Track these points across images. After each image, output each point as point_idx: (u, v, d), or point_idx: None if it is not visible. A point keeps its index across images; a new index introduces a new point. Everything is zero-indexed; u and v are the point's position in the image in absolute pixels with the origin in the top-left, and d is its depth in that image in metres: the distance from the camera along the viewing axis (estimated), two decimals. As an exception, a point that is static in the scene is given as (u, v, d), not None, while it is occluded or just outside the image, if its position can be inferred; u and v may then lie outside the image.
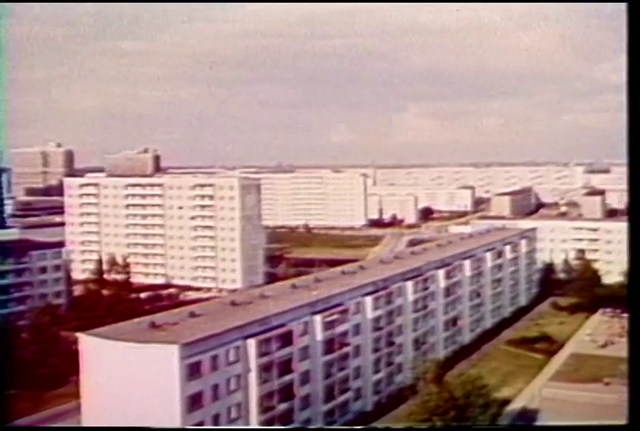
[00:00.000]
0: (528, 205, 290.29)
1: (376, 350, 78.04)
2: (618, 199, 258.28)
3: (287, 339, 64.25)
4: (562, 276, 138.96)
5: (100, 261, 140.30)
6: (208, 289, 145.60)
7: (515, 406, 77.37)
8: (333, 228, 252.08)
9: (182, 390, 54.19)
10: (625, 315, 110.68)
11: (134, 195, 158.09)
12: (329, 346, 70.06)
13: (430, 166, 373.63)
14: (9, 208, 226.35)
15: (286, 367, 63.96)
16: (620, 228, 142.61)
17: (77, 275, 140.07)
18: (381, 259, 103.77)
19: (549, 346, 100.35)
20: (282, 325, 64.40)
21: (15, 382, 73.20)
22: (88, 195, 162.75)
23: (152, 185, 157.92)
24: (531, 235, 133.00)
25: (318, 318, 68.74)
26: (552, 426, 58.87)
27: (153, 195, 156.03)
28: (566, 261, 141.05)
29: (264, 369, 61.45)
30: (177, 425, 54.02)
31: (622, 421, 59.03)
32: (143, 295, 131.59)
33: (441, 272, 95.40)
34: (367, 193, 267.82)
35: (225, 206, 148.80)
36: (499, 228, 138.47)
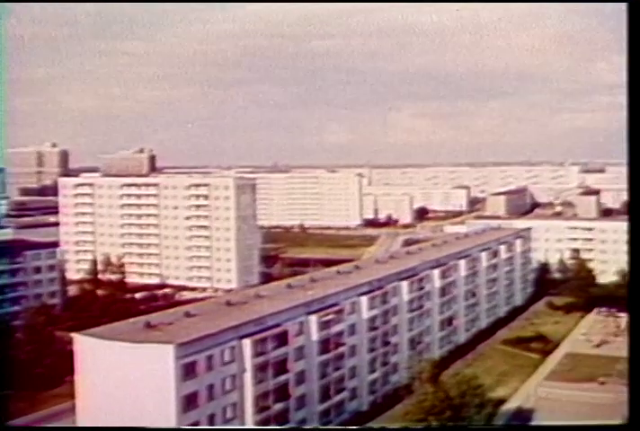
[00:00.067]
0: (523, 204, 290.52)
1: (371, 350, 78.06)
2: (613, 199, 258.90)
3: (282, 339, 64.20)
4: (557, 275, 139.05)
5: (95, 261, 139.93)
6: (204, 289, 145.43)
7: (510, 405, 77.42)
8: (329, 228, 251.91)
9: (177, 390, 54.12)
10: (620, 314, 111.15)
11: (129, 195, 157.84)
12: (324, 346, 70.05)
13: (425, 166, 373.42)
14: (3, 208, 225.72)
15: (281, 367, 63.91)
16: (615, 228, 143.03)
17: (72, 275, 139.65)
18: (376, 258, 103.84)
19: (544, 345, 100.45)
20: (278, 325, 64.37)
21: (10, 382, 73.04)
22: (83, 195, 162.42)
23: (147, 185, 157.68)
24: (526, 235, 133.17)
25: (314, 318, 68.73)
26: (551, 426, 58.90)
27: (148, 195, 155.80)
28: (561, 261, 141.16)
29: (260, 369, 61.41)
30: (172, 425, 53.94)
31: (617, 420, 59.21)
32: (138, 295, 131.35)
33: (437, 272, 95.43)
34: (362, 193, 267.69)
35: (220, 205, 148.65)
36: (494, 228, 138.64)
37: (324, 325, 69.94)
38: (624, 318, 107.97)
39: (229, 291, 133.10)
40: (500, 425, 69.74)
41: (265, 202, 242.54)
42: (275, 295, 72.28)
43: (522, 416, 74.41)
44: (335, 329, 71.63)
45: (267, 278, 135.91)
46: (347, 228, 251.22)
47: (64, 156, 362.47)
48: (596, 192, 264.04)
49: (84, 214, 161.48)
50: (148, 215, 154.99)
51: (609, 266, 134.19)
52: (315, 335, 68.69)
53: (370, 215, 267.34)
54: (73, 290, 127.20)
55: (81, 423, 57.00)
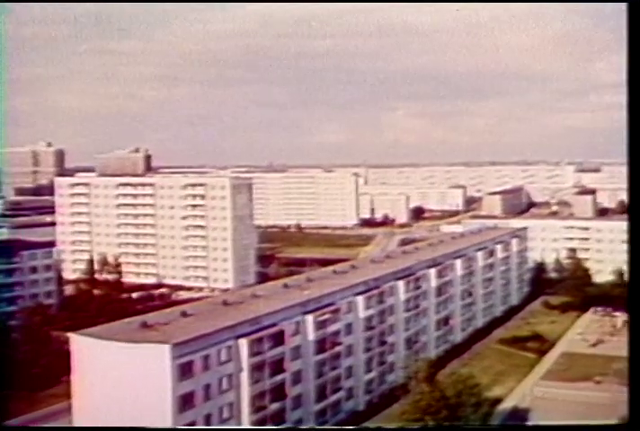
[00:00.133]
0: (519, 204, 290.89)
1: (368, 350, 78.08)
2: (609, 198, 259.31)
3: (278, 339, 64.22)
4: (553, 275, 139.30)
5: (91, 261, 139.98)
6: (200, 289, 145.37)
7: (507, 405, 77.50)
8: (325, 228, 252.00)
9: (173, 390, 54.10)
10: (616, 314, 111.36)
11: (125, 194, 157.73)
12: (321, 345, 70.05)
13: (421, 165, 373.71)
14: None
15: (278, 367, 63.93)
16: (611, 227, 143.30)
17: (68, 275, 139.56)
18: (373, 258, 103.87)
19: (541, 345, 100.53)
20: (274, 325, 64.36)
21: (6, 382, 72.94)
22: (79, 194, 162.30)
23: (143, 185, 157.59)
24: (522, 234, 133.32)
25: (310, 317, 68.73)
26: (550, 426, 58.95)
27: (144, 194, 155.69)
28: (557, 260, 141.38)
29: (256, 369, 61.42)
30: (169, 425, 53.91)
31: (613, 420, 59.29)
32: (134, 295, 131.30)
33: (433, 271, 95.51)
34: (358, 192, 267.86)
35: (216, 205, 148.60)
36: (490, 227, 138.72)
37: (321, 325, 69.96)
38: (620, 317, 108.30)
39: (226, 291, 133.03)
40: (496, 424, 69.82)
41: (261, 202, 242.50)
42: (271, 295, 72.27)
43: (518, 415, 74.47)
44: (332, 328, 71.63)
45: (263, 278, 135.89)
46: (343, 228, 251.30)
47: (60, 156, 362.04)
48: (592, 192, 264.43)
49: (80, 213, 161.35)
50: (145, 215, 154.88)
51: (605, 265, 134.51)
52: (311, 335, 68.69)
53: (367, 215, 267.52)
54: (69, 290, 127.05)
55: (77, 423, 56.94)
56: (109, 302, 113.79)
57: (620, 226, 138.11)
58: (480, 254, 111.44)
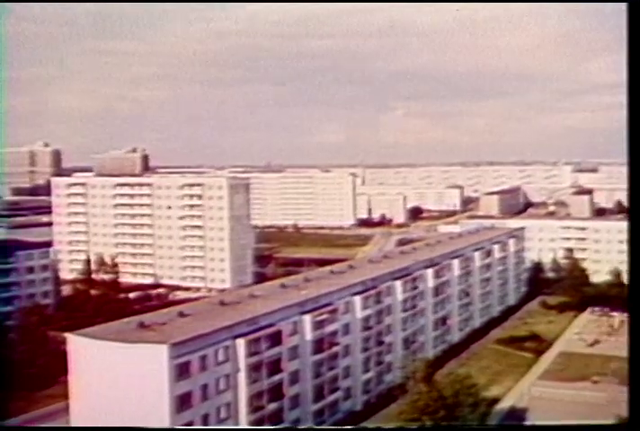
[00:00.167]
0: (516, 204, 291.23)
1: (365, 350, 78.05)
2: (607, 198, 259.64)
3: (276, 339, 64.16)
4: (550, 275, 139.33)
5: (88, 261, 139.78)
6: (197, 289, 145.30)
7: (504, 405, 77.52)
8: (322, 228, 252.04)
9: (171, 390, 54.04)
10: (613, 314, 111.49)
11: (122, 195, 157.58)
12: (318, 345, 70.01)
13: (418, 166, 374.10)
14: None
15: (275, 367, 63.88)
16: (608, 227, 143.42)
17: (65, 275, 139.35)
18: (370, 258, 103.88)
19: (538, 345, 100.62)
20: (271, 325, 64.32)
21: (3, 382, 72.83)
22: (76, 194, 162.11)
23: (140, 185, 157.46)
24: (520, 234, 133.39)
25: (307, 317, 68.68)
26: (548, 426, 58.93)
27: (141, 195, 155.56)
28: (555, 260, 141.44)
29: (254, 369, 61.37)
30: (166, 425, 53.86)
31: (611, 419, 59.34)
32: (132, 295, 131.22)
33: (430, 271, 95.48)
34: (356, 193, 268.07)
35: (213, 205, 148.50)
36: (487, 227, 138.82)
37: (318, 325, 69.90)
38: (617, 317, 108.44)
39: (223, 291, 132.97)
40: (493, 424, 69.83)
41: (259, 202, 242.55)
42: (269, 295, 72.23)
43: (516, 415, 74.50)
44: (329, 328, 71.58)
45: (261, 278, 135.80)
46: (341, 228, 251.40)
47: (56, 156, 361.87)
48: (589, 192, 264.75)
49: (77, 213, 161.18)
50: (142, 215, 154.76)
51: (603, 265, 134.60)
52: (308, 335, 68.64)
53: (364, 215, 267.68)
54: (66, 290, 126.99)
55: (75, 423, 56.88)
56: (106, 302, 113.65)
57: (617, 226, 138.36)
58: (477, 254, 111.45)
